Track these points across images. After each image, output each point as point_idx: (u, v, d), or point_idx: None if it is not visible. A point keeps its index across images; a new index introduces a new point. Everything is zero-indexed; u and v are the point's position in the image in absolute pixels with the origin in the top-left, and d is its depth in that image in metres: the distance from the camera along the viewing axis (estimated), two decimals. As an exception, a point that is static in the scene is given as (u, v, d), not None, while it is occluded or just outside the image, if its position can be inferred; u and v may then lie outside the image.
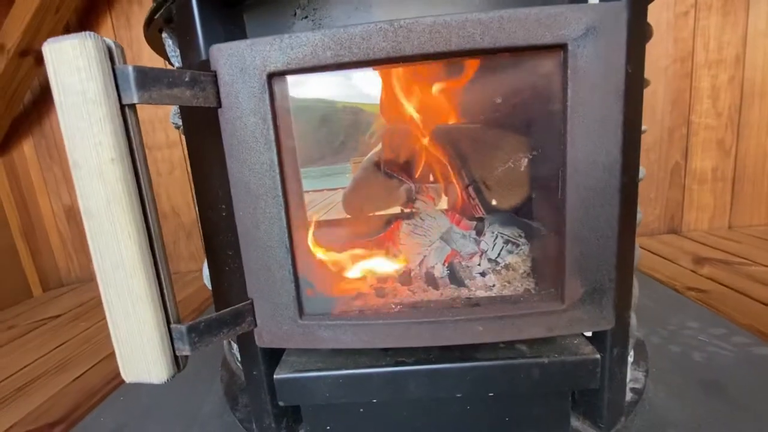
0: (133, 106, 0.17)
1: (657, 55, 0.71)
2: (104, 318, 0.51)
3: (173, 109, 0.32)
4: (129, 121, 0.17)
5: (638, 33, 0.21)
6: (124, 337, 0.19)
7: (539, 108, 0.25)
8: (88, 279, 0.86)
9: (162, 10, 0.24)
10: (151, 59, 0.65)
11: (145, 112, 0.77)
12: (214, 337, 0.21)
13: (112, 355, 0.46)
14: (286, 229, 0.22)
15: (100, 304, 0.58)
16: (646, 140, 0.74)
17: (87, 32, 0.16)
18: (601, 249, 0.22)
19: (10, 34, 0.65)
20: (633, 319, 0.34)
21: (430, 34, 0.20)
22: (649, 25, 0.24)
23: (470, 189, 0.32)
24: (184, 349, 0.20)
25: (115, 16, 0.74)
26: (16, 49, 0.65)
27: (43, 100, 0.77)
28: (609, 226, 0.22)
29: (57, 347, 0.56)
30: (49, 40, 0.17)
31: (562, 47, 0.20)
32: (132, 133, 0.17)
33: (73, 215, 0.84)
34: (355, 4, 0.22)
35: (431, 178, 0.34)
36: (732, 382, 0.35)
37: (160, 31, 0.29)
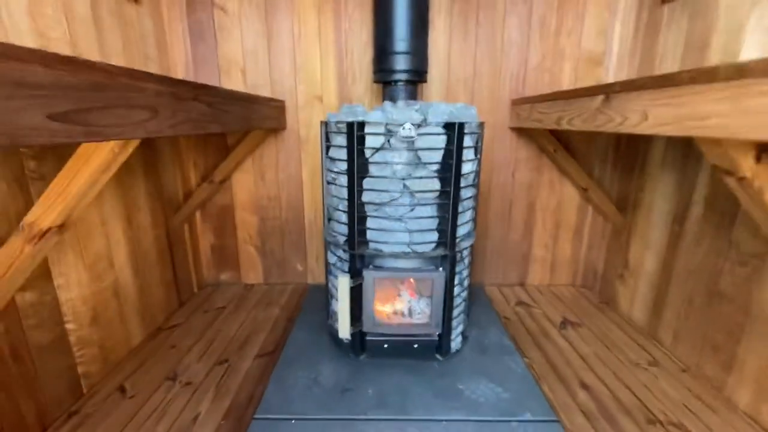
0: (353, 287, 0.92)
1: (519, 205, 1.50)
2: (252, 310, 1.32)
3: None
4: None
5: (452, 270, 0.97)
6: (342, 322, 0.95)
7: (429, 287, 1.01)
8: (216, 283, 1.59)
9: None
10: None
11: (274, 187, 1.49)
12: (357, 329, 0.97)
13: (273, 328, 1.23)
14: (372, 303, 0.97)
15: (242, 302, 1.34)
16: (513, 237, 1.54)
17: (346, 273, 0.91)
18: (438, 316, 0.99)
19: (218, 175, 1.35)
20: (461, 328, 1.13)
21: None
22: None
23: (414, 288, 1.09)
24: (352, 329, 0.95)
25: (252, 163, 1.45)
26: (218, 181, 1.36)
27: (207, 195, 1.47)
28: (441, 311, 0.98)
29: (242, 323, 1.30)
30: (339, 275, 0.91)
31: (433, 279, 0.95)
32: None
33: (214, 249, 1.56)
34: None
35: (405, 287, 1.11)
36: (489, 347, 1.13)
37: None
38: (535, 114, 1.16)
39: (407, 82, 1.09)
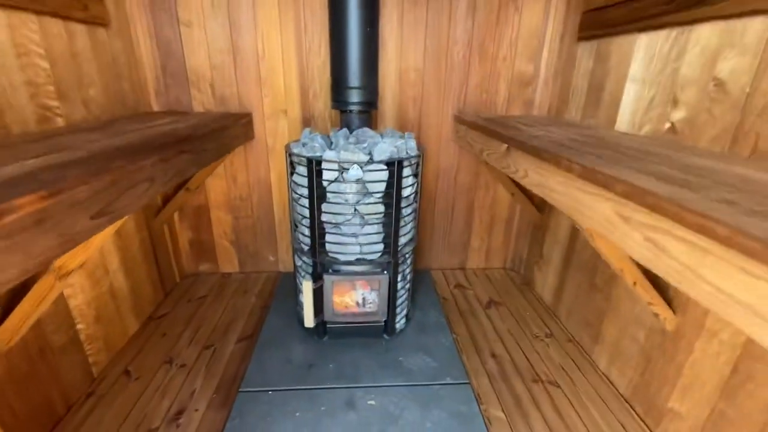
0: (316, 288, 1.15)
1: (460, 203, 1.76)
2: (231, 298, 1.56)
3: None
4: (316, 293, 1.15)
5: (395, 271, 1.22)
6: (307, 314, 1.20)
7: (377, 281, 1.27)
8: (196, 273, 1.79)
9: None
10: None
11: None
12: (320, 319, 1.22)
13: (250, 315, 1.47)
14: (332, 300, 1.22)
15: (221, 290, 1.56)
16: (455, 229, 1.81)
17: (310, 276, 1.14)
18: (384, 306, 1.25)
19: (193, 183, 1.50)
20: (404, 312, 1.41)
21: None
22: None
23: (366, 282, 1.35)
24: (315, 320, 1.20)
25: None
26: (193, 188, 1.52)
27: (183, 201, 1.62)
28: (387, 303, 1.24)
29: (223, 310, 1.52)
30: (304, 280, 1.14)
31: (380, 280, 1.20)
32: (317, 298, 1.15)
33: (192, 243, 1.74)
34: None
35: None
36: (427, 326, 1.42)
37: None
38: (468, 137, 1.38)
39: (361, 111, 1.27)
